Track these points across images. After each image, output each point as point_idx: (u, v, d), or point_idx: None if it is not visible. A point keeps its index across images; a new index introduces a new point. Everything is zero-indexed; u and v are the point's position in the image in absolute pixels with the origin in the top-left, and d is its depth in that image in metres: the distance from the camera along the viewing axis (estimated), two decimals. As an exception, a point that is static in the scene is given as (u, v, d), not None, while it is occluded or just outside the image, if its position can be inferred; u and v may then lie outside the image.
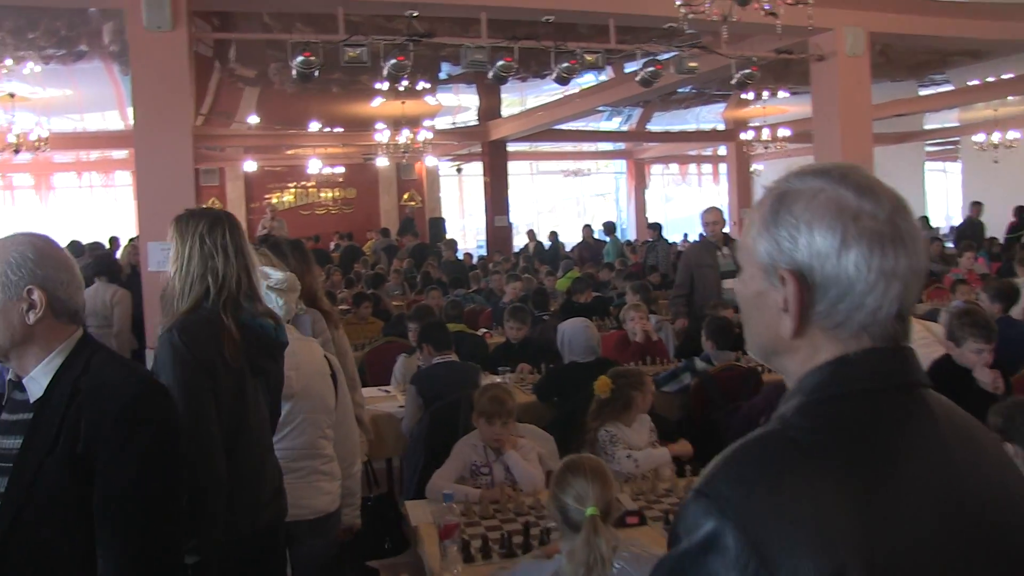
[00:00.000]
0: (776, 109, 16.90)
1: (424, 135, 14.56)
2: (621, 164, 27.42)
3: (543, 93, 16.88)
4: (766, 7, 5.81)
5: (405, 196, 22.50)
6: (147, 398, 1.88)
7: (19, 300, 1.84)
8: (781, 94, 15.15)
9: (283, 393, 3.02)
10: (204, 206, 2.77)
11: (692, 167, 28.90)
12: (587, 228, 16.32)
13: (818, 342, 1.10)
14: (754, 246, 1.13)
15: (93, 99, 15.09)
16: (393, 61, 7.40)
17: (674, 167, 28.78)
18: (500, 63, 7.74)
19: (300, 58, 7.11)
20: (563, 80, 8.22)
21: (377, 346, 6.84)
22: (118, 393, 1.85)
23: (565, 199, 28.20)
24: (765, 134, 16.34)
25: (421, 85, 13.03)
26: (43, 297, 1.85)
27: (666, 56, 8.78)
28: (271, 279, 3.07)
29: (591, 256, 15.24)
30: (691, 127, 22.11)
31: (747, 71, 8.85)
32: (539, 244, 18.23)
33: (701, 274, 7.52)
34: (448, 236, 18.87)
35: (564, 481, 2.50)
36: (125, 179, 20.79)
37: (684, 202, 28.75)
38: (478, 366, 5.18)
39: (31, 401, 1.88)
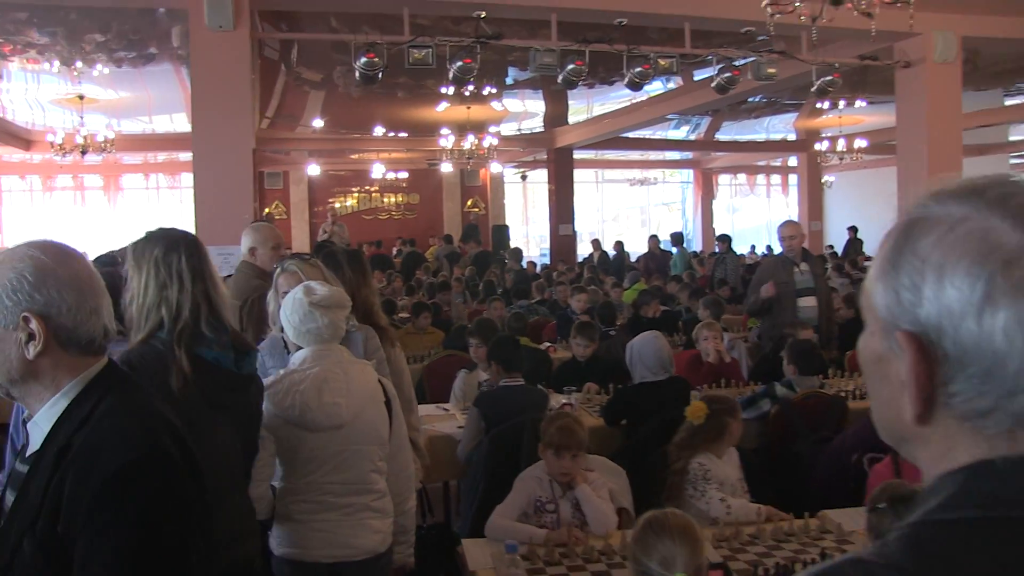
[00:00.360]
0: (851, 119, 16.32)
1: (489, 141, 14.31)
2: (688, 173, 26.94)
3: (610, 100, 16.58)
4: (862, 5, 5.41)
5: (469, 203, 22.37)
6: (138, 469, 1.46)
7: (16, 329, 1.49)
8: (858, 103, 14.59)
9: (332, 422, 2.76)
10: (172, 227, 2.61)
11: (760, 178, 28.25)
12: (653, 238, 15.91)
13: (953, 435, 0.76)
14: (872, 294, 0.81)
15: (162, 101, 15.17)
16: (459, 63, 7.17)
17: (742, 177, 28.14)
18: (570, 67, 7.46)
19: (364, 59, 6.92)
20: (635, 85, 7.91)
21: (436, 359, 6.56)
22: (105, 460, 1.45)
23: (629, 208, 27.76)
24: (841, 145, 15.76)
25: (487, 90, 12.78)
26: (42, 327, 1.49)
27: (743, 62, 8.41)
28: (315, 295, 2.81)
29: (657, 267, 14.83)
30: (760, 137, 21.54)
31: (829, 78, 8.44)
32: (604, 254, 17.88)
33: (776, 291, 7.12)
34: (512, 244, 18.67)
35: (647, 543, 2.18)
36: (191, 181, 20.94)
37: (751, 213, 28.15)
38: (546, 391, 4.87)
39: (28, 453, 1.54)
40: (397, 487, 2.99)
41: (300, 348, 2.88)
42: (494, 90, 13.09)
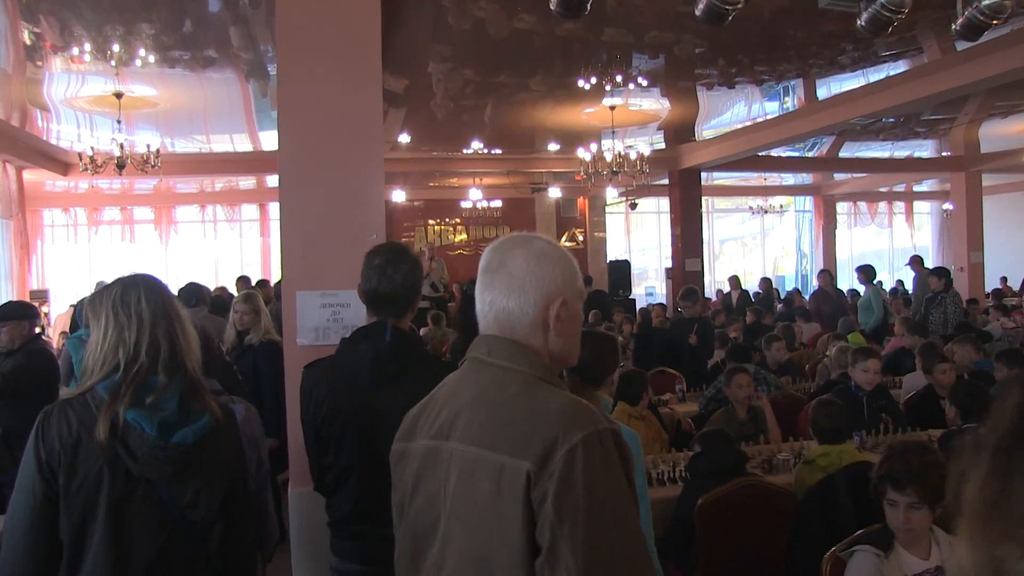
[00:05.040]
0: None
1: (640, 149, 11.32)
2: (805, 201, 23.93)
3: (729, 123, 13.86)
4: None
5: (564, 236, 19.50)
6: None
7: None
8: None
9: None
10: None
11: (881, 206, 25.16)
12: (825, 274, 12.76)
13: None
14: None
15: (220, 117, 12.56)
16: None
17: (862, 206, 25.05)
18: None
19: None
20: (973, 32, 4.94)
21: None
22: None
23: (722, 240, 24.71)
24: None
25: (629, 83, 9.80)
26: None
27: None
28: None
29: (832, 311, 11.76)
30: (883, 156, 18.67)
31: None
32: (744, 292, 14.85)
33: None
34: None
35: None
36: (251, 213, 18.33)
37: (862, 244, 25.08)
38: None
39: None
40: None
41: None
42: (643, 83, 10.09)
